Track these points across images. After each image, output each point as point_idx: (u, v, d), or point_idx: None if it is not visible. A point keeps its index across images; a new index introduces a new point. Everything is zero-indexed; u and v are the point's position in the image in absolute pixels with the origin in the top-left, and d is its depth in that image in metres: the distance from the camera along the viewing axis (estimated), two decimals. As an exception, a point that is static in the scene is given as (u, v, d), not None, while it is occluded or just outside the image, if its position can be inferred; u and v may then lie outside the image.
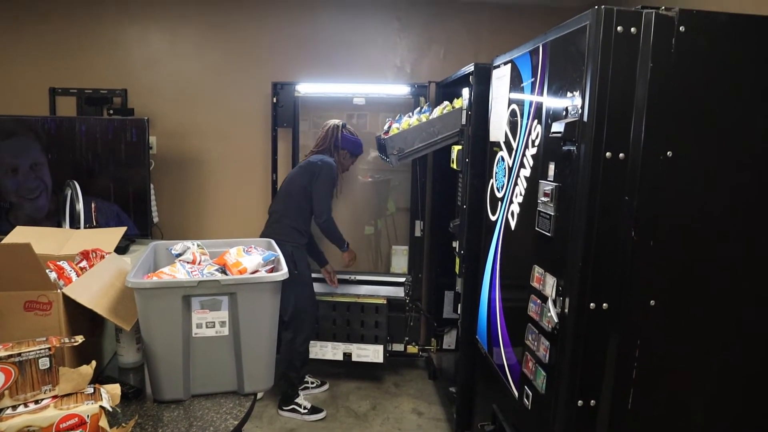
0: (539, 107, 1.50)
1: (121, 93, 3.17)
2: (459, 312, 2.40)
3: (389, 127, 2.64)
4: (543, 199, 1.42)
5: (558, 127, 1.31)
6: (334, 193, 2.71)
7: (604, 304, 1.27)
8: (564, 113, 1.33)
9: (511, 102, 1.75)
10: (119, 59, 3.19)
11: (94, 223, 2.78)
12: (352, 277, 3.11)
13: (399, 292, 3.07)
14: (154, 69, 3.21)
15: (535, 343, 1.45)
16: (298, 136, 3.23)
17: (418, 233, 3.23)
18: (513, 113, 1.71)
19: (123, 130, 2.83)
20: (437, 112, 2.52)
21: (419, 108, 2.74)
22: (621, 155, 1.22)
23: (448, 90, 2.90)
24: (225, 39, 3.20)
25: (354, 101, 3.17)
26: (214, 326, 1.28)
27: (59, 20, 3.15)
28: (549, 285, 1.38)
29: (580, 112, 1.25)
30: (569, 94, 1.30)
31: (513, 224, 1.70)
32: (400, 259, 3.28)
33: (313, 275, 2.80)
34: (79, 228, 2.29)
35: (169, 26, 3.21)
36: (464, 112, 2.33)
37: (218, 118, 3.25)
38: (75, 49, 3.17)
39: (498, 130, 1.87)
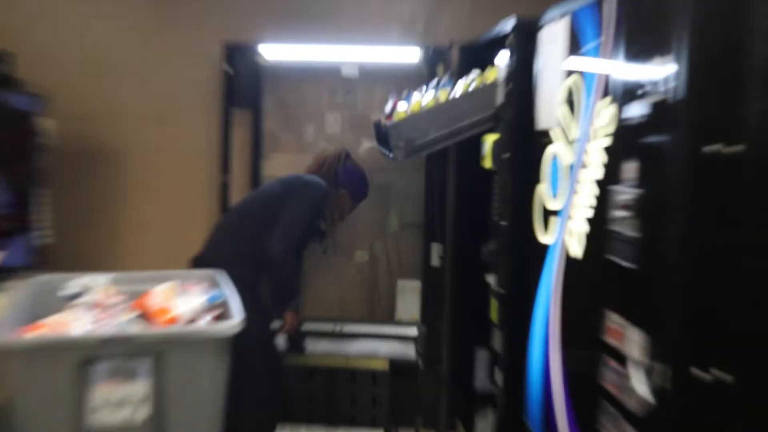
0: (609, 81, 1.51)
1: (5, 58, 3.18)
2: (498, 381, 2.36)
3: (393, 108, 2.64)
4: (619, 213, 1.43)
5: (640, 108, 1.32)
6: (315, 227, 2.73)
7: (728, 375, 1.23)
8: (648, 88, 1.33)
9: (568, 74, 1.78)
10: (2, 12, 3.20)
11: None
12: (338, 328, 3.08)
13: (408, 350, 3.05)
14: (53, 26, 3.23)
15: None
16: (261, 120, 3.25)
17: (435, 262, 3.22)
18: (570, 90, 1.74)
19: (4, 109, 2.81)
20: (462, 87, 2.53)
21: (436, 81, 2.74)
22: (737, 148, 1.21)
23: (477, 56, 2.90)
24: (156, -18, 3.23)
25: (343, 71, 3.19)
26: (126, 406, 1.24)
27: None
28: (633, 342, 1.38)
29: (673, 85, 1.24)
30: (656, 60, 1.31)
31: (575, 250, 1.71)
32: (408, 301, 3.27)
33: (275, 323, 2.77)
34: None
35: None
36: (500, 88, 2.35)
37: (145, 94, 3.27)
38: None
39: (549, 114, 1.90)
